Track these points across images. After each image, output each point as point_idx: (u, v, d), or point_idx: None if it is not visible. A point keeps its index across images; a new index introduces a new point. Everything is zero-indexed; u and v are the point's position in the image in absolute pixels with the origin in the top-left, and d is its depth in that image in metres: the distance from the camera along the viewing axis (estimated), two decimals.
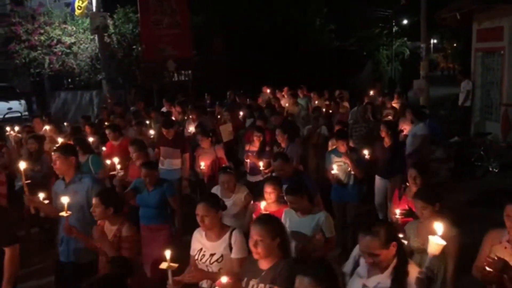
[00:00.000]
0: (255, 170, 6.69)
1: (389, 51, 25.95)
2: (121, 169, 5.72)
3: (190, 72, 16.30)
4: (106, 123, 9.04)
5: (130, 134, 8.24)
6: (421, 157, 7.08)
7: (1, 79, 20.71)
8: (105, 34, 15.70)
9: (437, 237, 2.72)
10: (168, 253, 3.02)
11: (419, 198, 3.78)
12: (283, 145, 6.70)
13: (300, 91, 12.44)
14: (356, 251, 3.19)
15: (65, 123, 12.19)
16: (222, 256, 3.47)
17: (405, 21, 29.45)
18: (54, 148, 4.70)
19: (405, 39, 27.37)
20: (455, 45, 37.17)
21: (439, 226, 2.77)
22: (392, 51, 25.91)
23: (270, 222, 3.07)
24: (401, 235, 3.38)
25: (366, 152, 6.31)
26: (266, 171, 6.44)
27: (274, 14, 20.12)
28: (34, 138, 6.84)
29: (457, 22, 12.90)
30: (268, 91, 13.34)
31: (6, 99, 19.36)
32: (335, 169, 5.92)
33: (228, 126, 8.74)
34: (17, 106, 19.54)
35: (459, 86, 13.08)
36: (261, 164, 6.38)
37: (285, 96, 12.29)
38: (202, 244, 3.58)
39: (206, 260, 3.51)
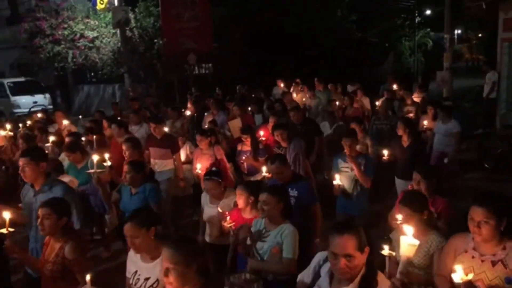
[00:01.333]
0: (252, 170, 6.38)
1: (412, 42, 25.56)
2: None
3: (210, 65, 16.37)
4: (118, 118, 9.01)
5: (144, 130, 7.93)
6: (452, 158, 6.98)
7: (26, 73, 21.16)
8: (127, 28, 15.88)
9: (409, 237, 2.47)
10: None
11: (405, 204, 3.37)
12: (283, 144, 6.16)
13: (319, 83, 12.14)
14: (316, 260, 2.91)
15: (80, 116, 12.39)
16: (157, 280, 2.98)
17: (428, 11, 28.91)
18: (22, 152, 4.27)
19: (428, 29, 26.89)
20: (480, 35, 36.31)
21: (409, 229, 2.51)
22: (414, 42, 25.50)
23: (185, 245, 2.44)
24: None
25: (385, 152, 5.93)
26: (269, 175, 5.78)
27: (295, 5, 19.98)
28: (24, 138, 6.65)
29: (482, 11, 12.61)
30: (282, 85, 13.05)
31: (32, 93, 19.73)
32: (337, 179, 5.11)
33: (237, 122, 8.29)
34: (42, 99, 19.90)
35: (483, 77, 12.81)
36: (264, 169, 5.48)
37: (300, 90, 12.08)
38: (136, 266, 3.13)
39: (141, 285, 3.05)
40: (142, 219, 3.08)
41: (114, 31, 16.47)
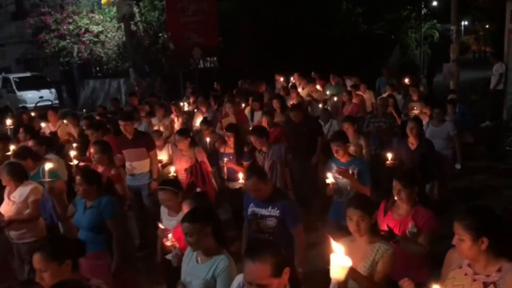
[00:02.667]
0: (233, 175, 5.73)
1: (418, 34, 25.35)
2: None
3: (215, 58, 16.34)
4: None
5: (143, 128, 7.66)
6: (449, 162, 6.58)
7: (32, 68, 21.25)
8: (132, 22, 15.87)
9: (340, 256, 2.21)
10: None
11: (355, 206, 3.03)
12: (264, 149, 5.50)
13: (332, 77, 11.74)
14: (236, 283, 2.67)
15: (84, 110, 12.18)
16: None
17: (434, 3, 28.67)
18: None
19: (435, 21, 26.68)
20: (487, 26, 36.00)
21: (337, 246, 2.25)
22: (421, 34, 25.30)
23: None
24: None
25: (389, 156, 5.34)
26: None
27: None
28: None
29: (489, 2, 12.49)
30: (282, 79, 12.64)
31: (38, 88, 19.81)
32: (330, 178, 4.62)
33: (230, 120, 7.75)
34: (47, 94, 19.98)
35: (491, 69, 12.71)
36: (240, 176, 5.19)
37: (306, 83, 11.63)
38: None
39: None
40: (55, 249, 2.60)
41: (119, 25, 16.47)
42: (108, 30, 16.75)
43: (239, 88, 11.69)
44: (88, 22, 16.69)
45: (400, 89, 10.54)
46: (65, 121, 8.35)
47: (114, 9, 16.08)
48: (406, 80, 11.27)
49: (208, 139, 6.98)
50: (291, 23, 18.67)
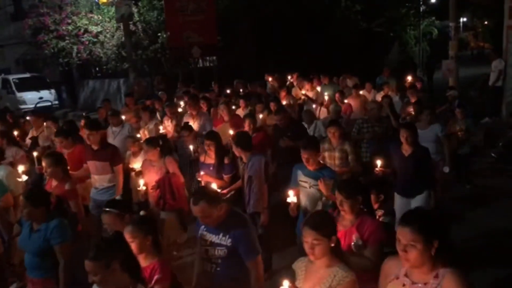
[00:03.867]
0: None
1: (417, 31, 25.34)
2: None
3: (215, 58, 16.33)
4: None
5: (126, 132, 7.46)
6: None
7: (31, 69, 21.28)
8: (130, 22, 15.87)
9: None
10: None
11: (310, 227, 2.75)
12: (244, 159, 5.00)
13: (323, 77, 11.22)
14: None
15: (83, 113, 11.88)
16: None
17: (433, 0, 28.64)
18: None
19: (433, 18, 26.65)
20: (486, 23, 36.01)
21: (285, 282, 2.16)
22: (419, 31, 25.29)
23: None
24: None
25: (378, 163, 5.01)
26: (225, 191, 5.10)
27: None
28: None
29: None
30: (270, 79, 12.28)
31: (37, 88, 19.86)
32: (291, 196, 4.20)
33: (225, 126, 7.15)
34: (47, 95, 20.03)
35: (489, 66, 12.73)
36: (214, 185, 4.80)
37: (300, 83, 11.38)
38: None
39: None
40: None
41: (118, 25, 16.48)
42: (107, 30, 16.75)
43: (234, 89, 11.31)
44: (87, 22, 16.69)
45: (399, 89, 10.31)
46: (44, 124, 7.90)
47: (113, 9, 16.07)
48: (409, 78, 10.84)
49: (191, 146, 6.36)
50: (290, 21, 18.67)
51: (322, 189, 4.24)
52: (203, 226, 3.42)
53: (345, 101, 9.02)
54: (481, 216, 6.46)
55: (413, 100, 8.38)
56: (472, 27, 43.89)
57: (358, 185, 3.54)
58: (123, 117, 8.32)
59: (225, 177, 5.33)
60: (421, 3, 25.95)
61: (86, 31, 16.63)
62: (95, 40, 16.69)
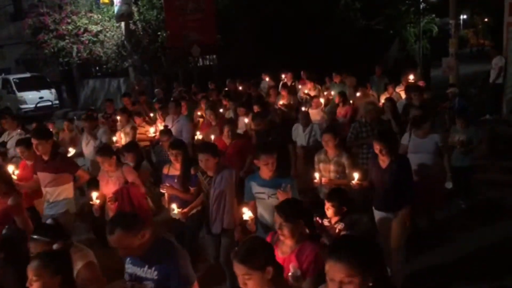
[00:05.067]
0: (177, 203, 4.69)
1: (417, 29, 25.31)
2: None
3: (214, 56, 16.33)
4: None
5: (99, 135, 7.21)
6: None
7: (32, 69, 21.28)
8: (130, 22, 15.86)
9: None
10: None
11: (238, 260, 2.42)
12: (210, 173, 4.47)
13: (335, 75, 10.70)
14: None
15: (75, 117, 11.65)
16: None
17: None
18: None
19: (433, 15, 26.61)
20: (486, 20, 35.97)
21: None
22: (419, 29, 25.26)
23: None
24: None
25: (355, 175, 4.63)
26: (185, 210, 4.68)
27: None
28: None
29: None
30: (267, 78, 11.97)
31: (38, 88, 19.87)
32: (247, 213, 3.85)
33: (213, 131, 6.81)
34: (48, 95, 20.05)
35: (489, 63, 12.72)
36: (174, 207, 4.49)
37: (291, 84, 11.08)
38: None
39: None
40: None
41: (117, 24, 16.47)
42: (107, 30, 16.75)
43: (226, 89, 10.89)
44: (87, 22, 16.69)
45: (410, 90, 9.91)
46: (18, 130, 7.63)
47: (113, 8, 16.07)
48: (411, 77, 10.24)
49: None
50: (289, 19, 18.66)
51: (281, 197, 3.86)
52: (128, 258, 2.99)
53: (351, 102, 8.61)
54: (479, 236, 5.83)
55: (417, 103, 7.59)
56: (472, 24, 43.82)
57: (301, 207, 3.19)
58: (118, 118, 8.15)
59: (192, 189, 4.85)
60: (421, 0, 25.92)
61: (86, 30, 16.63)
62: (95, 39, 16.69)
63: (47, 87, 20.30)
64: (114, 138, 7.47)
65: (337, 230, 3.97)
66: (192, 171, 4.81)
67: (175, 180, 4.91)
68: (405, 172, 4.57)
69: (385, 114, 7.09)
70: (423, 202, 5.20)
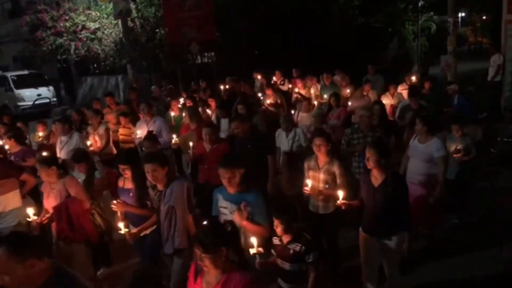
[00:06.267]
0: (134, 220, 4.30)
1: (415, 27, 25.32)
2: None
3: (213, 54, 16.31)
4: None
5: (75, 142, 6.77)
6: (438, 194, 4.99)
7: (30, 66, 21.21)
8: (128, 19, 15.82)
9: None
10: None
11: (197, 242, 2.59)
12: (159, 186, 4.00)
13: (326, 76, 10.32)
14: None
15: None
16: None
17: None
18: None
19: (432, 13, 26.62)
20: (484, 17, 35.97)
21: None
22: (418, 27, 25.26)
23: None
24: None
25: (340, 195, 4.07)
26: (135, 231, 4.13)
27: None
28: None
29: None
30: (259, 77, 11.74)
31: (35, 85, 19.81)
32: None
33: (190, 136, 6.36)
34: (45, 92, 19.99)
35: (487, 61, 12.73)
36: (121, 226, 3.93)
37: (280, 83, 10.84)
38: None
39: None
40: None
41: (115, 21, 16.43)
42: (105, 27, 16.71)
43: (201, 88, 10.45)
44: (84, 19, 16.65)
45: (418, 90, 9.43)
46: None
47: (111, 5, 16.02)
48: (413, 78, 9.96)
49: None
50: (288, 17, 18.63)
51: (236, 218, 3.51)
52: None
53: (349, 103, 8.35)
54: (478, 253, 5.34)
55: (415, 106, 7.25)
56: (470, 22, 43.81)
57: (223, 233, 2.79)
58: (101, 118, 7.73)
59: (150, 204, 4.30)
60: None
61: (84, 27, 16.58)
62: (93, 36, 16.65)
63: (45, 84, 20.24)
64: (89, 142, 7.21)
65: (291, 251, 3.55)
66: (149, 184, 4.23)
67: (130, 194, 4.39)
68: (400, 193, 3.94)
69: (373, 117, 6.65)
70: (408, 229, 4.48)
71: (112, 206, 4.33)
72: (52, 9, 17.04)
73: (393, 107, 8.62)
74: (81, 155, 5.14)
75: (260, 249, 3.32)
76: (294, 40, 17.91)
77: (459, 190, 5.99)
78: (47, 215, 4.54)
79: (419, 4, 25.79)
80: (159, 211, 3.96)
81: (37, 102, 19.33)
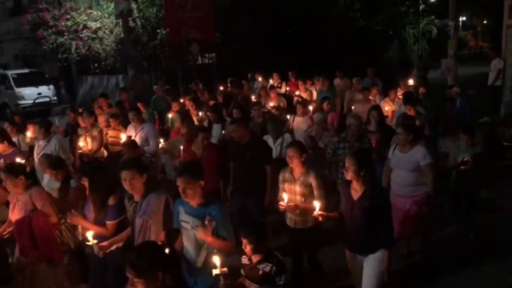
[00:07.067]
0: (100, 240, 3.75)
1: (416, 30, 25.36)
2: None
3: (213, 55, 16.32)
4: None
5: (53, 147, 6.25)
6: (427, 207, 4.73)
7: (30, 64, 21.21)
8: (130, 19, 15.83)
9: None
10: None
11: (129, 265, 2.44)
12: (136, 196, 3.67)
13: (323, 80, 9.81)
14: None
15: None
16: None
17: None
18: None
19: (433, 17, 26.69)
20: (485, 22, 36.05)
21: None
22: (419, 30, 25.31)
23: None
24: None
25: (316, 206, 3.77)
26: (105, 244, 3.69)
27: None
28: None
29: None
30: (260, 78, 11.62)
31: (36, 84, 19.78)
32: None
33: (178, 141, 6.03)
34: (46, 91, 19.96)
35: (488, 65, 12.73)
36: (90, 236, 3.51)
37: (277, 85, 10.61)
38: None
39: None
40: None
41: (117, 21, 16.44)
42: (106, 26, 16.72)
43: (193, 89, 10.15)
44: (86, 18, 16.67)
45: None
46: None
47: (112, 5, 16.04)
48: (410, 82, 9.54)
49: None
50: (289, 18, 18.65)
51: (200, 233, 3.24)
52: None
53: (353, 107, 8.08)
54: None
55: (410, 111, 6.76)
56: (471, 26, 43.89)
57: (160, 256, 2.57)
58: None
59: (108, 223, 3.82)
60: (420, 1, 25.96)
61: (85, 27, 16.60)
62: (94, 36, 16.67)
63: (46, 83, 20.22)
64: (81, 144, 6.99)
65: (260, 272, 3.26)
66: (111, 201, 3.83)
67: (89, 207, 3.93)
68: (381, 208, 3.62)
69: (370, 124, 6.30)
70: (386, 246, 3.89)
71: (67, 219, 3.97)
72: (54, 8, 17.08)
73: (394, 113, 8.14)
74: (58, 161, 4.68)
75: (225, 269, 3.06)
76: (295, 42, 17.93)
77: (464, 202, 5.65)
78: (9, 230, 4.19)
79: (420, 7, 25.84)
80: (134, 224, 3.62)
81: (37, 100, 19.31)
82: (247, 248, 3.26)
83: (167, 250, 2.62)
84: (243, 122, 5.51)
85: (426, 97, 8.69)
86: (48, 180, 4.75)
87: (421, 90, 8.89)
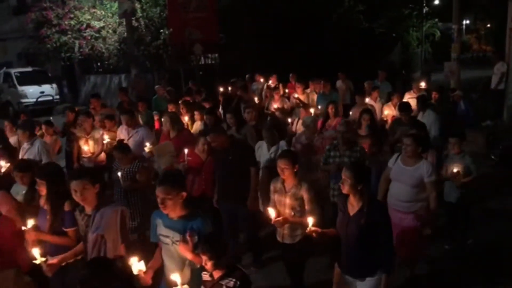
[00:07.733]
0: (52, 250, 3.62)
1: (419, 33, 25.33)
2: None
3: (216, 55, 16.33)
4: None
5: (36, 150, 6.06)
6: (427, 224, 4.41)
7: (33, 63, 21.26)
8: (133, 18, 15.85)
9: None
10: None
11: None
12: (87, 209, 3.43)
13: (325, 84, 9.58)
14: None
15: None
16: None
17: (436, 1, 28.64)
18: None
19: (436, 20, 26.66)
20: (488, 25, 36.00)
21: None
22: (422, 33, 25.28)
23: None
24: None
25: (310, 222, 3.46)
26: (55, 261, 3.40)
27: None
28: None
29: (491, 1, 12.48)
30: (262, 80, 11.55)
31: (39, 83, 19.85)
32: (137, 266, 2.96)
33: (167, 146, 5.94)
34: (49, 90, 20.02)
35: (491, 68, 12.73)
36: (37, 253, 3.26)
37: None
38: None
39: None
40: None
41: (120, 21, 16.46)
42: (110, 26, 16.74)
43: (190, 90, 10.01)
44: (89, 17, 16.68)
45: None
46: None
47: (116, 4, 16.06)
48: (422, 85, 9.41)
49: (119, 173, 5.07)
50: (292, 19, 18.65)
51: (181, 249, 3.06)
52: None
53: (350, 112, 7.95)
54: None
55: (403, 117, 6.61)
56: (474, 29, 43.83)
57: (110, 273, 2.42)
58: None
59: (69, 231, 3.56)
60: (424, 4, 25.94)
61: (88, 26, 16.61)
62: (97, 35, 16.68)
63: (49, 81, 20.27)
64: (85, 148, 6.82)
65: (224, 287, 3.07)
66: (67, 207, 3.56)
67: (47, 217, 3.62)
68: (379, 226, 3.27)
69: (360, 128, 6.09)
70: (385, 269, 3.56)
71: (25, 233, 3.59)
72: (57, 7, 17.10)
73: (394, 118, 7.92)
74: (26, 163, 4.44)
75: (185, 286, 2.92)
76: (297, 44, 17.92)
77: (460, 215, 5.47)
78: None
79: (424, 10, 25.83)
80: (86, 238, 3.35)
81: (40, 99, 19.36)
82: (208, 265, 3.02)
83: (120, 266, 2.51)
84: (219, 128, 5.35)
85: (438, 102, 8.43)
86: (15, 185, 4.51)
87: (434, 94, 8.65)
